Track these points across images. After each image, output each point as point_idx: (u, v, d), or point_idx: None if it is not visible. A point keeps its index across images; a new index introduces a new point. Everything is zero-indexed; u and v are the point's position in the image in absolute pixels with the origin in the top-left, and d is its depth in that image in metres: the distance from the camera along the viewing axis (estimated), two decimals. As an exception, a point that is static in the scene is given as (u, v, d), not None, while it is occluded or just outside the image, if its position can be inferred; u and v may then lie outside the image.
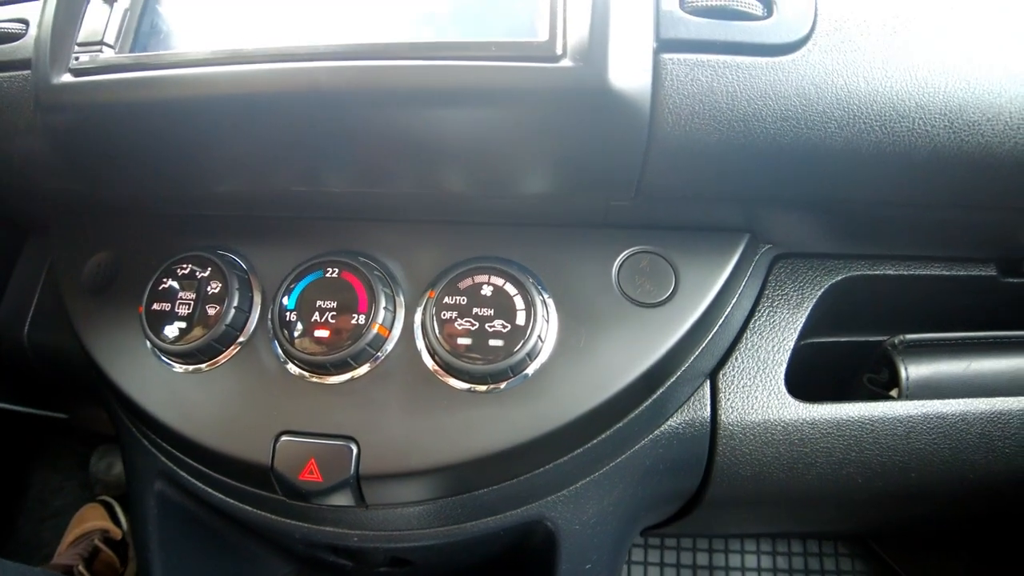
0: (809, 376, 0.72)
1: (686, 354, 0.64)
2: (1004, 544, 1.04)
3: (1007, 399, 0.67)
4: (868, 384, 0.74)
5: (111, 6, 0.58)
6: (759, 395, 0.68)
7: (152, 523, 0.71)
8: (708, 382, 0.68)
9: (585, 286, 0.62)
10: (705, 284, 0.62)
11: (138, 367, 0.65)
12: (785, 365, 0.69)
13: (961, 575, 1.08)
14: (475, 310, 0.60)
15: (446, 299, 0.60)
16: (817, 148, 0.53)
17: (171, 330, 0.63)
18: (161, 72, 0.54)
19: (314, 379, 0.62)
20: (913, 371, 0.70)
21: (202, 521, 0.75)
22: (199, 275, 0.64)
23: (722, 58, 0.52)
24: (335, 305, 0.61)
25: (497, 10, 0.53)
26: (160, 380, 0.64)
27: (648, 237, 0.63)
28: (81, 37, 0.57)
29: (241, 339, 0.64)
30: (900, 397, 0.69)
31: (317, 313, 0.61)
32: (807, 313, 0.70)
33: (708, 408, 0.68)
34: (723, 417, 0.67)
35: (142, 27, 0.58)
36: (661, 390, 0.64)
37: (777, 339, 0.69)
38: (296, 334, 0.61)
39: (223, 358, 0.64)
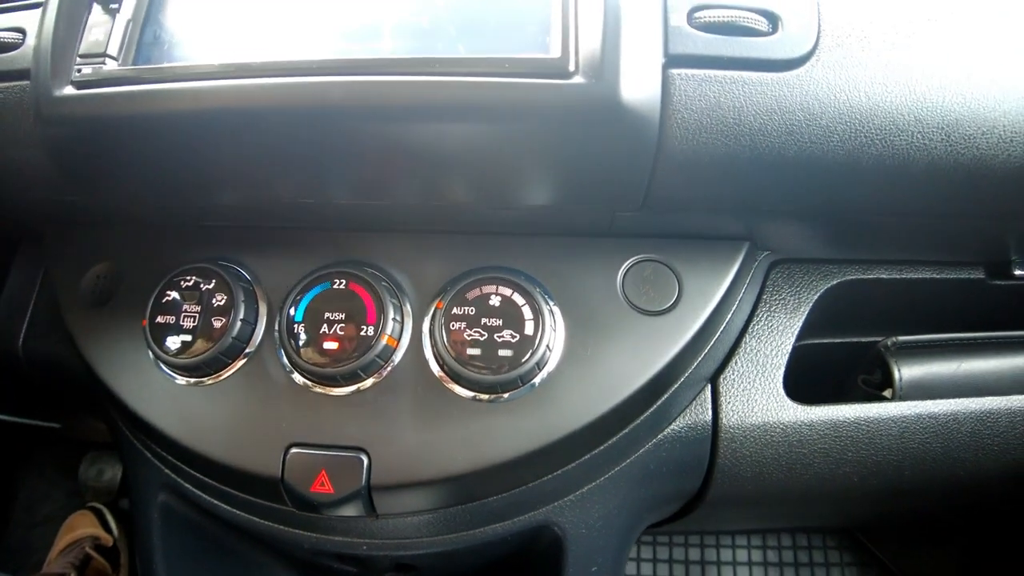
0: (804, 376, 0.74)
1: (690, 360, 0.65)
2: (989, 535, 1.08)
3: (996, 398, 0.70)
4: (862, 385, 0.76)
5: (113, 17, 0.57)
6: (759, 398, 0.69)
7: (156, 535, 0.71)
8: (709, 386, 0.70)
9: (591, 295, 0.63)
10: (708, 291, 0.63)
11: (143, 381, 0.64)
12: (783, 368, 0.70)
13: (946, 564, 1.11)
14: (484, 320, 0.60)
15: (455, 309, 0.61)
16: (820, 161, 0.54)
17: (176, 343, 0.63)
18: (167, 85, 0.54)
19: (322, 390, 0.62)
20: (906, 372, 0.72)
21: (206, 531, 0.75)
22: (203, 287, 0.64)
23: (729, 73, 0.53)
24: (343, 317, 0.61)
25: (506, 25, 0.53)
26: (166, 393, 0.64)
27: (651, 245, 0.64)
28: (83, 49, 0.56)
29: (248, 351, 0.64)
30: (894, 397, 0.71)
31: (325, 325, 0.61)
32: (804, 317, 0.72)
33: (710, 412, 0.69)
34: (724, 420, 0.69)
35: (144, 38, 0.57)
36: (665, 396, 0.65)
37: (775, 343, 0.71)
38: (304, 346, 0.61)
39: (229, 371, 0.63)
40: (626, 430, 0.65)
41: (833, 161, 0.54)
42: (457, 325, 0.60)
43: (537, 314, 0.60)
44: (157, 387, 0.64)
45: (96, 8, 0.57)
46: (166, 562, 0.72)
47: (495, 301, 0.61)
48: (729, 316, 0.67)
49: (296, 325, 0.62)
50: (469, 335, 0.60)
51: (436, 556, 0.69)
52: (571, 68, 0.49)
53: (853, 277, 0.72)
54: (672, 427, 0.69)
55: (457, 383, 0.61)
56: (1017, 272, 0.71)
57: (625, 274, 0.64)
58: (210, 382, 0.63)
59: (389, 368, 0.62)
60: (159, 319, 0.63)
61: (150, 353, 0.64)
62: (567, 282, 0.63)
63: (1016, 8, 0.56)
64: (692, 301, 0.63)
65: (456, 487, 0.61)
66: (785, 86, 0.53)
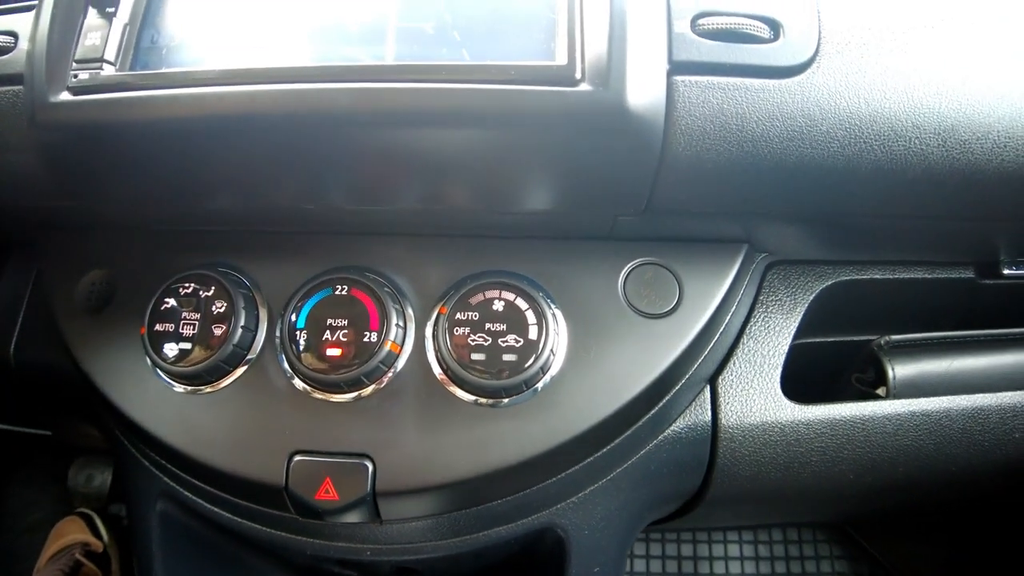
0: (797, 375, 0.75)
1: (690, 362, 0.66)
2: (975, 527, 1.11)
3: (986, 395, 0.71)
4: (856, 383, 0.77)
5: (109, 21, 0.56)
6: (757, 398, 0.70)
7: (156, 544, 0.70)
8: (708, 387, 0.70)
9: (592, 298, 0.63)
10: (708, 294, 0.64)
11: (142, 389, 0.63)
12: (780, 368, 0.71)
13: (934, 556, 1.14)
14: (487, 325, 0.60)
15: (458, 314, 0.61)
16: (820, 166, 0.55)
17: (176, 351, 0.62)
18: (168, 91, 0.53)
19: (324, 397, 0.62)
20: (899, 370, 0.73)
21: (205, 539, 0.74)
22: (202, 294, 0.63)
23: (732, 80, 0.53)
24: (346, 323, 0.61)
25: (510, 30, 0.53)
26: (165, 402, 0.63)
27: (651, 249, 0.65)
28: (79, 54, 0.55)
29: (249, 358, 0.63)
30: (888, 396, 0.73)
31: (328, 331, 0.61)
32: (800, 317, 0.73)
33: (709, 412, 0.70)
34: (723, 420, 0.70)
35: (142, 43, 0.56)
36: (667, 398, 0.66)
37: (772, 343, 0.72)
38: (307, 352, 0.61)
39: (230, 378, 0.63)
40: (628, 432, 0.65)
41: (833, 166, 0.55)
42: (461, 330, 0.60)
43: (540, 318, 0.60)
44: (156, 395, 0.63)
45: (92, 12, 0.56)
46: (165, 571, 0.71)
47: (499, 306, 0.61)
48: (728, 318, 0.68)
49: (298, 332, 0.61)
50: (473, 340, 0.60)
51: (438, 559, 0.69)
52: (578, 75, 0.49)
53: (847, 278, 0.73)
54: (672, 428, 0.69)
55: (461, 388, 0.61)
56: (1006, 271, 0.72)
57: (626, 277, 0.64)
58: (211, 390, 0.63)
59: (392, 374, 0.61)
60: (158, 327, 0.63)
61: (149, 361, 0.63)
62: (569, 286, 0.63)
63: (1014, 13, 0.57)
64: (693, 304, 0.63)
65: (461, 492, 0.61)
66: (787, 92, 0.53)
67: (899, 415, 0.70)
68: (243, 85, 0.52)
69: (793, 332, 0.72)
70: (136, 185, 0.60)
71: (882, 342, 0.74)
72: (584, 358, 0.62)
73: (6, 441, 1.21)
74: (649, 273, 0.64)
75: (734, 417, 0.70)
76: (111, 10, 0.56)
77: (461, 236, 0.66)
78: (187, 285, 0.64)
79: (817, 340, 0.82)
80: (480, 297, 0.61)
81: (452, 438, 0.60)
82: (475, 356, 0.60)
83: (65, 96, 0.55)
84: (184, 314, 0.63)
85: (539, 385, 0.60)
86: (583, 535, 0.68)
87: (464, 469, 0.59)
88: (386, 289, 0.62)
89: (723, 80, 0.53)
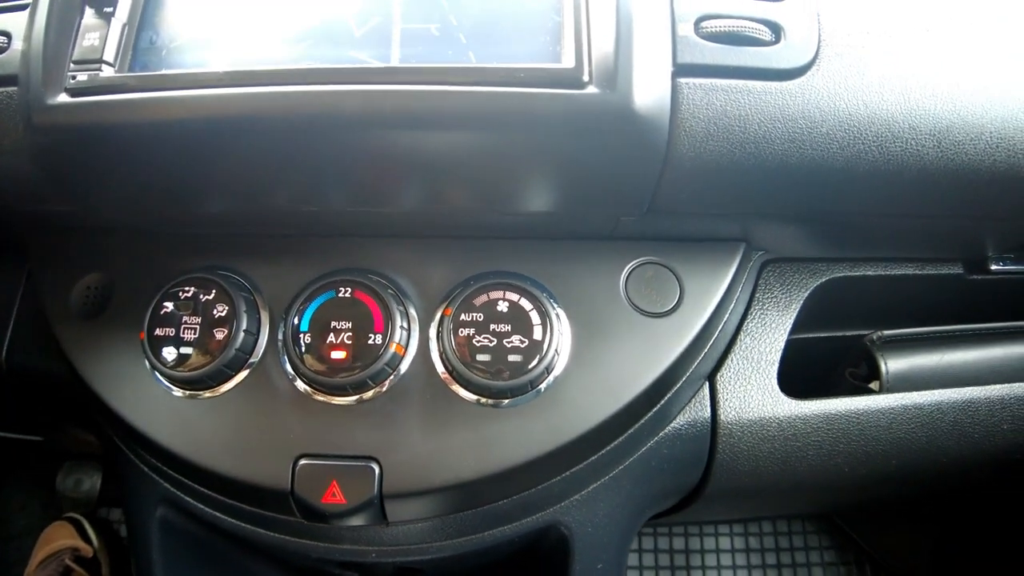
0: (793, 370, 0.76)
1: (691, 360, 0.66)
2: (961, 517, 1.13)
3: (976, 388, 0.73)
4: (849, 378, 0.78)
5: (107, 21, 0.55)
6: (754, 394, 0.71)
7: (156, 550, 0.70)
8: (707, 384, 0.71)
9: (595, 298, 0.64)
10: (708, 292, 0.65)
11: (141, 395, 0.63)
12: (777, 364, 0.72)
13: (920, 544, 1.16)
14: (492, 326, 0.61)
15: (463, 316, 0.61)
16: (820, 167, 0.56)
17: (176, 356, 0.61)
18: (169, 93, 0.52)
19: (328, 400, 0.61)
20: (892, 365, 0.75)
21: (206, 544, 0.73)
22: (203, 298, 0.63)
23: (734, 83, 0.54)
24: (350, 325, 0.61)
25: (516, 32, 0.53)
26: (166, 408, 0.62)
27: (652, 248, 0.65)
28: (77, 55, 0.54)
29: (251, 362, 0.63)
30: (881, 390, 0.74)
31: (332, 334, 0.61)
32: (795, 314, 0.74)
33: (708, 409, 0.71)
34: (722, 417, 0.71)
35: (140, 43, 0.56)
36: (668, 395, 0.66)
37: (769, 340, 0.73)
38: (311, 356, 0.60)
39: (232, 382, 0.62)
40: (631, 430, 0.66)
41: (832, 167, 0.56)
42: (466, 331, 0.60)
43: (545, 318, 0.61)
44: (157, 401, 0.62)
45: (89, 12, 0.55)
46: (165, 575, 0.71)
47: (503, 307, 0.61)
48: (726, 315, 0.69)
49: (302, 335, 0.61)
50: (478, 341, 0.60)
51: (442, 559, 0.70)
52: (585, 78, 0.50)
53: (841, 274, 0.75)
54: (673, 425, 0.70)
55: (466, 389, 0.61)
56: (993, 267, 0.74)
57: (627, 277, 0.65)
58: (213, 395, 0.62)
59: (397, 376, 0.62)
60: (158, 331, 0.62)
61: (148, 366, 0.62)
62: (571, 286, 0.64)
63: (1010, 14, 0.58)
64: (693, 302, 0.64)
65: (467, 493, 0.61)
66: (788, 95, 0.54)
67: (892, 409, 0.72)
68: (247, 87, 0.52)
69: (789, 328, 0.73)
70: (136, 188, 0.60)
71: (875, 337, 0.76)
72: (587, 357, 0.62)
73: (-5, 447, 1.19)
74: (650, 272, 0.65)
75: (733, 413, 0.71)
76: (109, 10, 0.55)
77: (462, 237, 0.66)
78: (187, 289, 0.63)
79: (811, 336, 0.84)
80: (484, 298, 0.62)
81: (457, 439, 0.60)
82: (480, 357, 0.60)
83: (63, 98, 0.54)
84: (184, 318, 0.62)
85: (543, 385, 0.61)
86: (586, 532, 0.69)
87: (470, 470, 0.59)
88: (389, 291, 0.62)
89: (726, 82, 0.54)
